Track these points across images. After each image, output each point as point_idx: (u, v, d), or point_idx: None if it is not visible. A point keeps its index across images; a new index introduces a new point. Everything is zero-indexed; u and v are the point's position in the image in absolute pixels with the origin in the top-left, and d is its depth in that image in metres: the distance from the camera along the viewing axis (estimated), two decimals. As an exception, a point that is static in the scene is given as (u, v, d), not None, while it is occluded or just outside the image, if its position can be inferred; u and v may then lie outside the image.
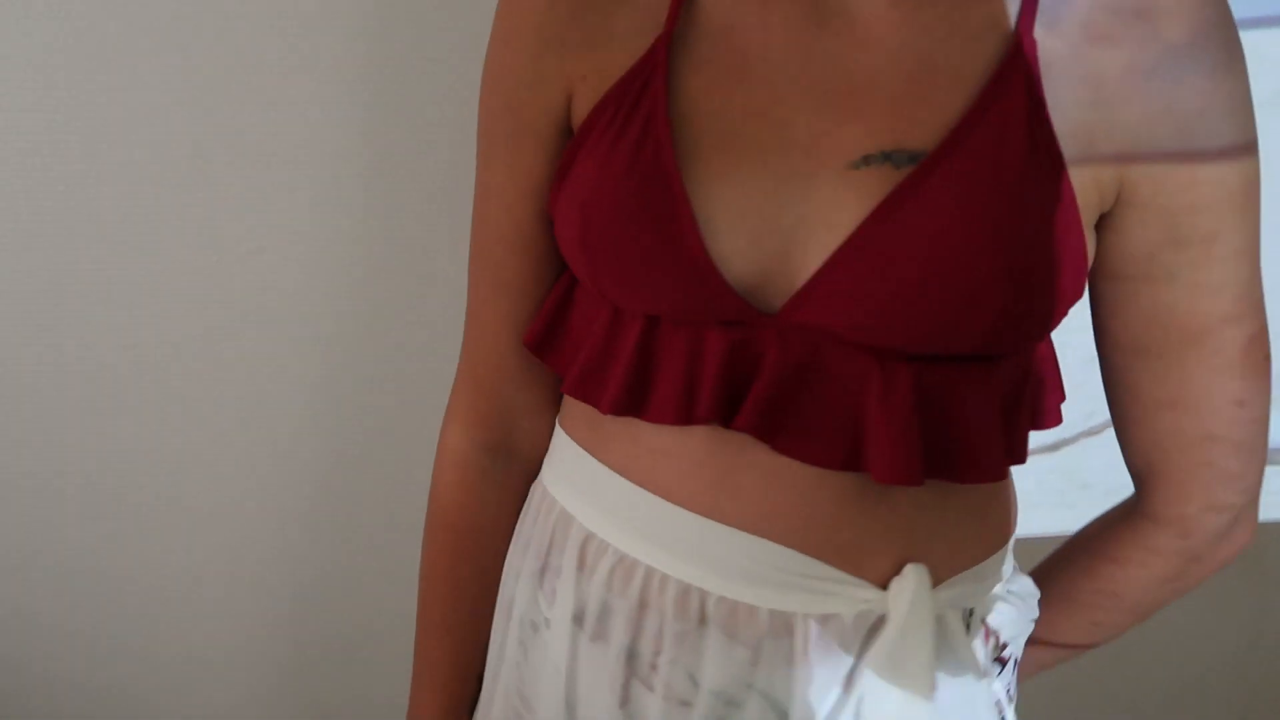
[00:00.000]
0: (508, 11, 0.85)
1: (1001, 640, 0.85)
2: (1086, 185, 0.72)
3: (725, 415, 0.74)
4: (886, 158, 0.69)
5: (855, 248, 0.69)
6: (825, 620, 0.75)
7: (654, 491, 0.78)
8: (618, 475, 0.79)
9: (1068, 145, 0.71)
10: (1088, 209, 0.74)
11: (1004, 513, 0.86)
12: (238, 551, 1.35)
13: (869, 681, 0.76)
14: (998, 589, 0.85)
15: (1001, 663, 0.85)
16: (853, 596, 0.76)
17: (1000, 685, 0.85)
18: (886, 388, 0.70)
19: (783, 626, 0.76)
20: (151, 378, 1.27)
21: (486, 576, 0.91)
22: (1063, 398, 0.85)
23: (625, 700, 0.79)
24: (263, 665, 1.40)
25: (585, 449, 0.81)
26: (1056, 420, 0.83)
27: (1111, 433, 1.38)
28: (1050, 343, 0.83)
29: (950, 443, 0.74)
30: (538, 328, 0.82)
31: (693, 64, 0.75)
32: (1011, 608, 0.85)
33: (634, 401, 0.77)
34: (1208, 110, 0.72)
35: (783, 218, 0.70)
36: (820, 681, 0.75)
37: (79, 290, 1.22)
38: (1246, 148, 0.74)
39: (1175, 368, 0.78)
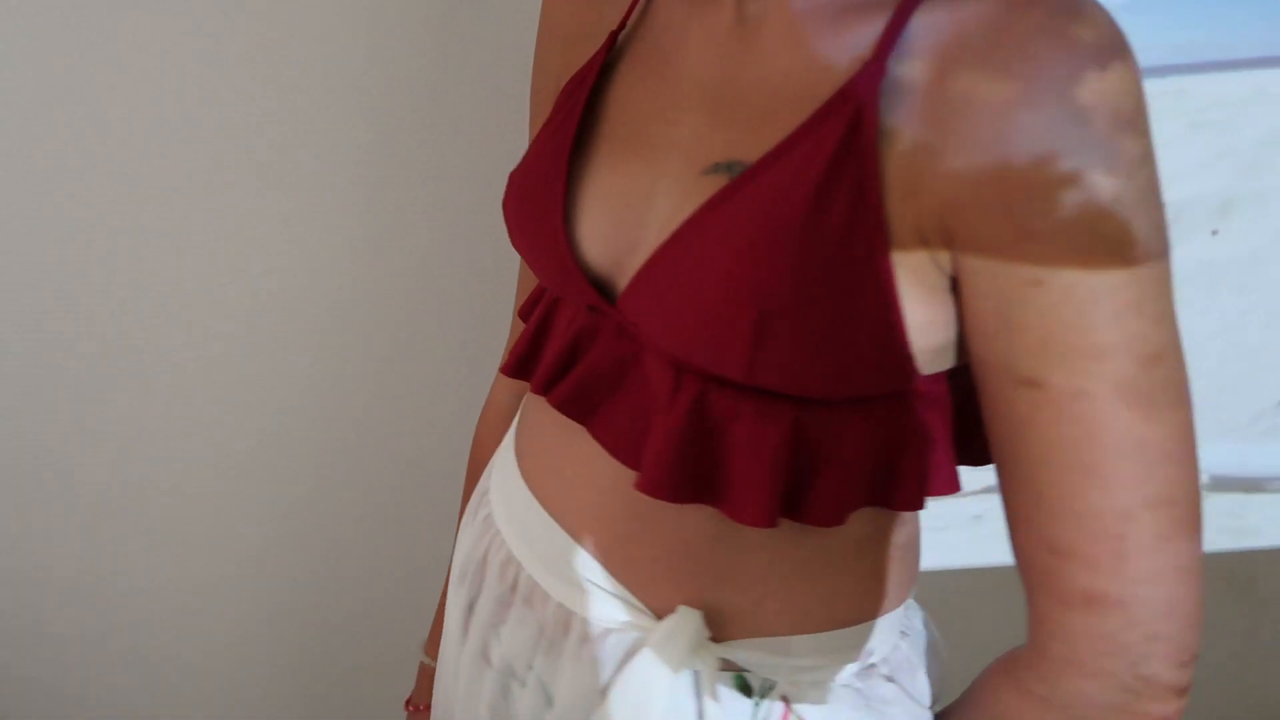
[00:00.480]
0: (542, 5, 0.91)
1: None
2: (907, 229, 0.62)
3: (548, 390, 0.75)
4: (727, 168, 0.68)
5: (661, 255, 0.67)
6: (594, 627, 0.74)
7: (518, 462, 0.81)
8: (510, 443, 0.83)
9: (894, 181, 0.61)
10: (912, 258, 0.62)
11: (852, 594, 0.74)
12: (220, 551, 1.34)
13: (614, 701, 0.73)
14: (840, 676, 0.74)
15: None
16: (625, 616, 0.73)
17: None
18: (670, 400, 0.68)
19: (563, 621, 0.76)
20: (138, 378, 1.27)
21: None
22: (921, 490, 0.70)
23: (464, 641, 0.84)
24: (248, 665, 1.40)
25: (519, 418, 0.84)
26: (908, 504, 0.69)
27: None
28: (932, 421, 0.70)
29: (718, 471, 0.68)
30: (526, 302, 0.85)
31: (628, 61, 0.78)
32: (855, 709, 0.74)
33: (520, 368, 0.79)
34: (1051, 200, 0.58)
35: (644, 214, 0.71)
36: (581, 686, 0.75)
37: (77, 290, 1.21)
38: (1118, 258, 0.58)
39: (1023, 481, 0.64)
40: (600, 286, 0.73)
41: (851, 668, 0.74)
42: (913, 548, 0.78)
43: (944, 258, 0.62)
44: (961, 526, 1.30)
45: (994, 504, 1.35)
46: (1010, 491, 0.64)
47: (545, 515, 0.77)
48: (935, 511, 1.34)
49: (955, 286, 0.63)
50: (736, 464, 0.67)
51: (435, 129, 1.18)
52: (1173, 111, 1.24)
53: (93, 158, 1.16)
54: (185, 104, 1.15)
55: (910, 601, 0.80)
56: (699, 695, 0.71)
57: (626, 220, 0.72)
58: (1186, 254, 1.30)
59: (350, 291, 1.23)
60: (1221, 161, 1.27)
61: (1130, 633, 0.61)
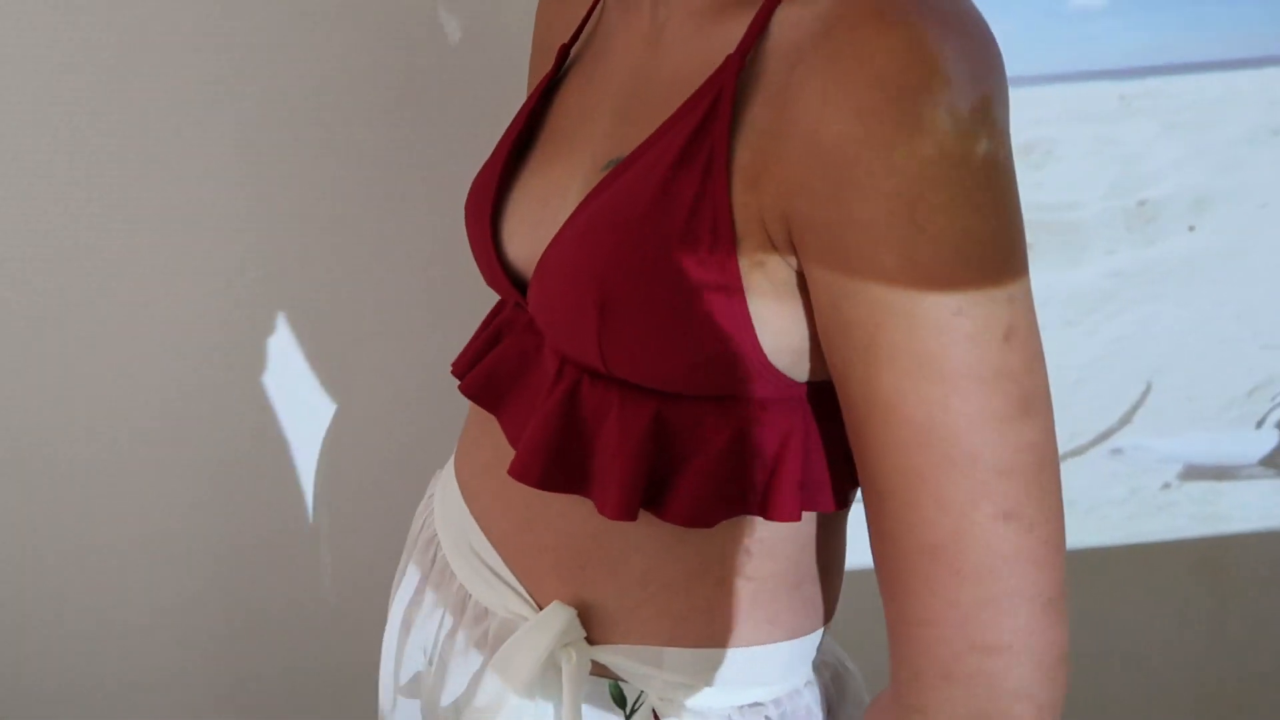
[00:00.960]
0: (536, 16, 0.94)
1: None
2: (752, 221, 0.60)
3: (464, 378, 0.79)
4: (614, 163, 0.69)
5: (548, 250, 0.68)
6: (486, 612, 0.76)
7: (458, 446, 0.83)
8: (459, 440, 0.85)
9: (741, 170, 0.61)
10: (758, 250, 0.61)
11: (732, 611, 0.71)
12: (157, 521, 1.32)
13: (482, 690, 0.74)
14: (717, 707, 0.71)
15: None
16: (511, 604, 0.74)
17: None
18: (550, 389, 0.70)
19: (462, 602, 0.77)
20: (84, 351, 1.25)
21: None
22: (796, 502, 0.66)
23: (392, 604, 0.87)
24: (189, 634, 1.38)
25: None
26: (782, 514, 0.66)
27: (1098, 451, 1.44)
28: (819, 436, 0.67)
29: (587, 460, 0.68)
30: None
31: (575, 69, 0.81)
32: None
33: (459, 366, 0.82)
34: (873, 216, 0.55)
35: (558, 212, 0.72)
36: (463, 667, 0.76)
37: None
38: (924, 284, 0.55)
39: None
40: (522, 284, 0.74)
41: (732, 700, 0.72)
42: (818, 574, 0.73)
43: (788, 249, 0.60)
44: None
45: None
46: (865, 503, 0.61)
47: (460, 499, 0.79)
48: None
49: (804, 284, 0.61)
50: (602, 454, 0.67)
51: (429, 129, 1.18)
52: (1149, 112, 1.28)
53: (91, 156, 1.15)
54: (158, 96, 1.15)
55: (829, 651, 0.78)
56: (560, 695, 0.70)
57: (543, 219, 0.73)
58: (1164, 250, 1.34)
59: (292, 266, 1.23)
60: (1197, 160, 1.32)
61: (977, 655, 0.57)
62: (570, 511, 0.71)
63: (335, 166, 1.20)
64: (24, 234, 1.19)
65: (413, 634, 0.82)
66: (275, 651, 1.38)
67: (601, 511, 0.66)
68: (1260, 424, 1.46)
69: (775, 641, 0.72)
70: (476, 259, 0.79)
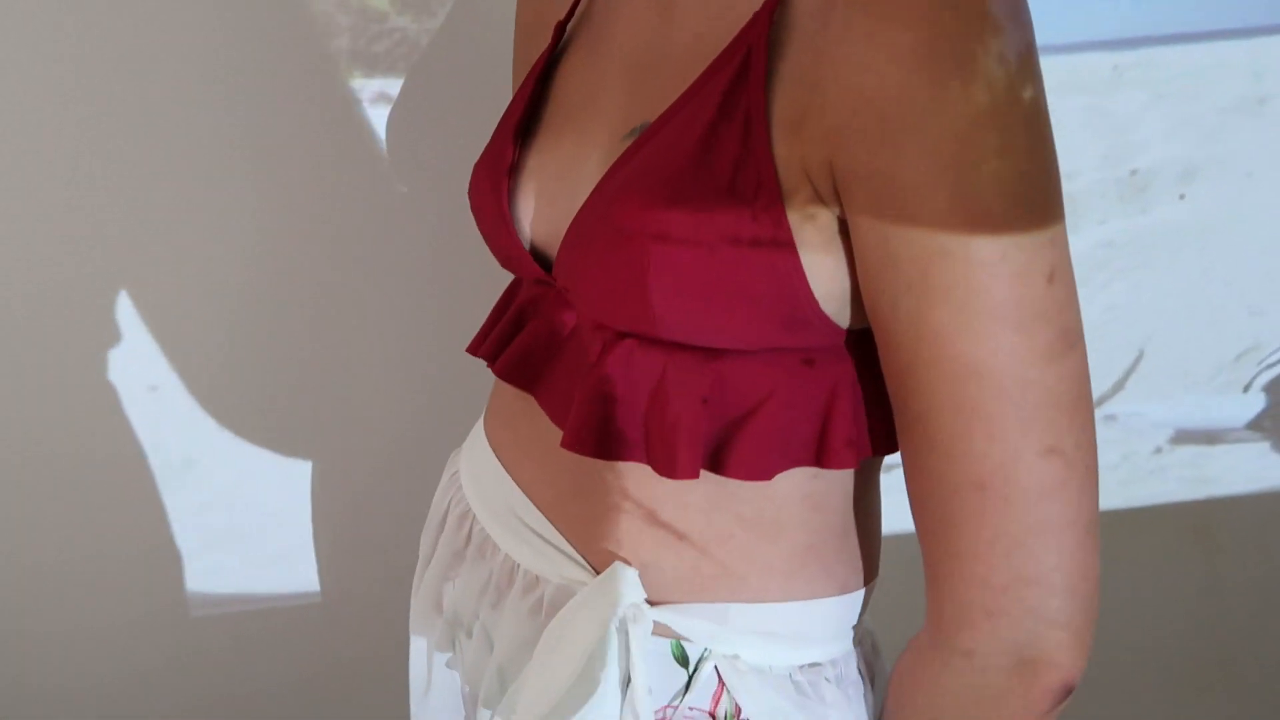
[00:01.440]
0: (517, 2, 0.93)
1: (747, 717, 0.72)
2: (795, 169, 0.61)
3: (495, 360, 0.79)
4: (638, 130, 0.68)
5: (576, 220, 0.69)
6: (537, 580, 0.76)
7: (484, 425, 0.84)
8: (482, 418, 0.86)
9: (781, 119, 0.62)
10: (802, 198, 0.61)
11: (789, 565, 0.72)
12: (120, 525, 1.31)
13: (542, 650, 0.73)
14: (780, 664, 0.72)
15: None
16: (567, 570, 0.74)
17: None
18: (596, 360, 0.69)
19: (509, 572, 0.77)
20: (40, 333, 1.23)
21: None
22: (853, 448, 0.69)
23: (418, 591, 0.88)
24: (152, 640, 1.37)
25: (493, 389, 0.86)
26: (839, 460, 0.68)
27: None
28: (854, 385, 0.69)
29: (642, 426, 0.69)
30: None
31: (573, 47, 0.81)
32: (792, 703, 0.72)
33: (479, 344, 0.82)
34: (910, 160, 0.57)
35: (576, 186, 0.72)
36: (520, 635, 0.76)
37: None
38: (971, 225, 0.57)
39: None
40: (544, 261, 0.74)
41: (792, 660, 0.73)
42: (861, 525, 0.75)
43: (832, 197, 0.61)
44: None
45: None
46: (904, 443, 0.63)
47: (501, 470, 0.79)
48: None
49: (845, 230, 0.62)
50: (657, 417, 0.68)
51: (413, 124, 1.18)
52: (1140, 82, 1.30)
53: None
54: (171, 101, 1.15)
55: (867, 621, 0.79)
56: (627, 655, 0.71)
57: (561, 194, 0.73)
58: (1155, 218, 1.35)
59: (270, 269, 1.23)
60: (1186, 129, 1.33)
61: (1020, 587, 0.60)
62: (622, 478, 0.72)
63: (335, 162, 1.20)
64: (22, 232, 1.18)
65: (446, 610, 0.83)
66: (281, 654, 1.40)
67: (663, 473, 0.68)
68: (1247, 388, 1.48)
69: (829, 595, 0.74)
70: (490, 242, 0.79)
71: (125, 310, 1.23)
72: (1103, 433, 1.41)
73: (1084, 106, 1.28)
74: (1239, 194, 1.36)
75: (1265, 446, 1.53)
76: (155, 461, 1.28)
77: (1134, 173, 1.32)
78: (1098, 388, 1.38)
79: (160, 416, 1.26)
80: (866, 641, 0.79)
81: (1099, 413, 1.39)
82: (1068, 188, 1.33)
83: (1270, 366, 1.46)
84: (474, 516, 0.82)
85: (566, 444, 0.69)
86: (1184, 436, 1.51)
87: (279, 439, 1.29)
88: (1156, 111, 1.31)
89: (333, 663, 1.40)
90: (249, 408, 1.28)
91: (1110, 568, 1.56)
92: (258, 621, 1.38)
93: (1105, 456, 1.51)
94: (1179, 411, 1.49)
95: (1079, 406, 0.59)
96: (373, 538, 1.35)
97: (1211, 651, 1.62)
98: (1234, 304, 1.41)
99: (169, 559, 1.32)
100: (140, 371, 1.25)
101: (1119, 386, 1.41)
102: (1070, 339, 0.59)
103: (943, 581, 0.63)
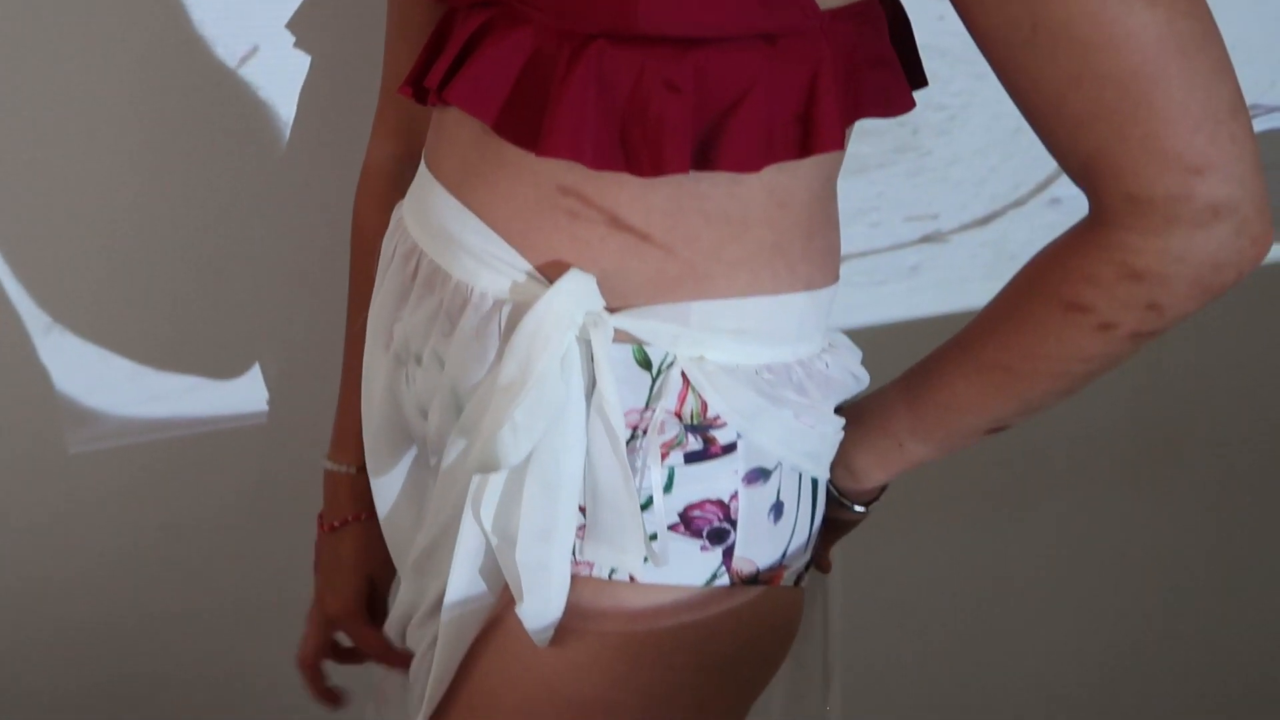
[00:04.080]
0: None
1: (714, 414, 0.74)
2: None
3: (444, 88, 0.74)
4: None
5: None
6: (493, 301, 0.75)
7: (427, 163, 0.81)
8: (422, 160, 0.83)
9: None
10: None
11: (755, 261, 0.73)
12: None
13: (505, 364, 0.72)
14: (746, 360, 0.74)
15: (712, 449, 0.75)
16: (521, 286, 0.74)
17: (695, 472, 0.74)
18: (568, 69, 0.67)
19: (462, 297, 0.76)
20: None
21: None
22: (839, 127, 0.70)
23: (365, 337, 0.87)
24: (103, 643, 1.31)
25: (432, 131, 0.83)
26: (828, 143, 0.69)
27: (1037, 202, 1.42)
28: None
29: (628, 128, 0.68)
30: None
31: None
32: (759, 395, 0.74)
33: (417, 83, 0.79)
34: None
35: None
36: (475, 353, 0.75)
37: None
38: None
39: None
40: None
41: (759, 359, 0.75)
42: (824, 227, 0.77)
43: None
44: (899, 279, 1.31)
45: (931, 254, 1.37)
46: (1030, 94, 0.65)
47: (449, 196, 0.77)
48: (870, 265, 1.35)
49: None
50: (640, 118, 0.66)
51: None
52: None
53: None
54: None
55: (848, 344, 0.82)
56: (590, 364, 0.72)
57: None
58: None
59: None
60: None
61: (1195, 178, 0.62)
62: (584, 185, 0.71)
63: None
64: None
65: (395, 342, 0.81)
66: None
67: (648, 173, 0.67)
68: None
69: (795, 291, 0.75)
70: None
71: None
72: (1048, 217, 1.39)
73: None
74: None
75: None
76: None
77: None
78: (1044, 169, 1.35)
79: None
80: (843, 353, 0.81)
81: (1045, 195, 1.37)
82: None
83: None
84: (420, 251, 0.79)
85: (553, 152, 0.67)
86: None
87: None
88: None
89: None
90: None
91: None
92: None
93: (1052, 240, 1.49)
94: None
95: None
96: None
97: (1152, 431, 1.64)
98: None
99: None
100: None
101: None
102: None
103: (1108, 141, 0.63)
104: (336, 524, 0.99)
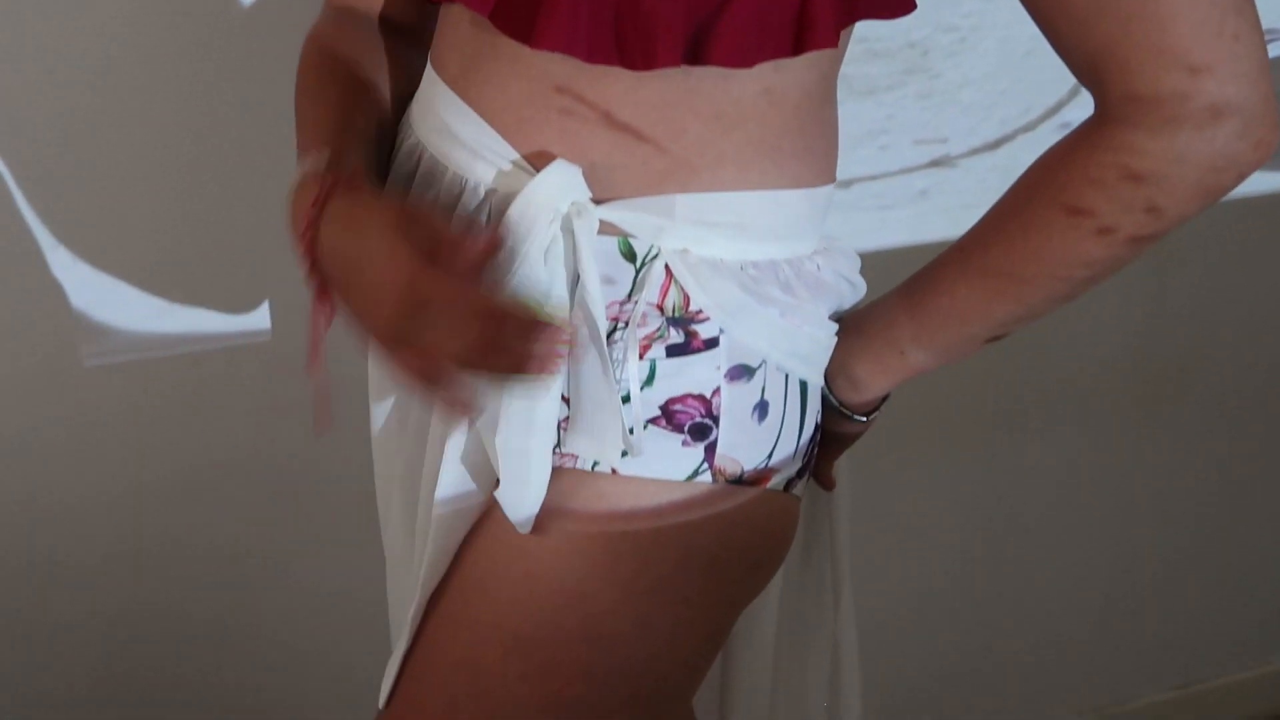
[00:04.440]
0: None
1: (696, 308, 0.74)
2: None
3: None
4: None
5: None
6: (484, 192, 0.75)
7: (431, 61, 0.81)
8: (428, 62, 0.82)
9: None
10: None
11: (743, 156, 0.73)
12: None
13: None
14: (732, 256, 0.74)
15: (694, 343, 0.74)
16: (511, 177, 0.74)
17: (673, 367, 0.74)
18: None
19: (457, 189, 0.77)
20: None
21: (360, 69, 0.85)
22: (835, 24, 0.69)
23: None
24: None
25: (437, 38, 0.83)
26: (822, 39, 0.68)
27: (1047, 126, 1.40)
28: None
29: (619, 22, 0.67)
30: None
31: None
32: (744, 291, 0.74)
33: None
34: None
35: None
36: None
37: None
38: None
39: None
40: None
41: (746, 254, 0.74)
42: (819, 126, 0.76)
43: None
44: (907, 203, 1.31)
45: (939, 179, 1.36)
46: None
47: (448, 91, 0.77)
48: (879, 189, 1.34)
49: None
50: (632, 11, 0.66)
51: None
52: None
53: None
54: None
55: (847, 250, 0.81)
56: (574, 254, 0.72)
57: None
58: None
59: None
60: None
61: (1208, 83, 0.61)
62: (577, 79, 0.71)
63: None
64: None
65: None
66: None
67: (640, 67, 0.67)
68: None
69: (784, 188, 0.74)
70: None
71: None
72: (1053, 140, 1.38)
73: None
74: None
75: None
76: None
77: None
78: (1054, 93, 1.34)
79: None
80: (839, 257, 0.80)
81: (1055, 120, 1.35)
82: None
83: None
84: (423, 146, 0.79)
85: (550, 45, 0.67)
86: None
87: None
88: None
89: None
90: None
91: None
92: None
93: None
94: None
95: None
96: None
97: (1159, 367, 1.64)
98: None
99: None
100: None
101: (1075, 92, 1.36)
102: None
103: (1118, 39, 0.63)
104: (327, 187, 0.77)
